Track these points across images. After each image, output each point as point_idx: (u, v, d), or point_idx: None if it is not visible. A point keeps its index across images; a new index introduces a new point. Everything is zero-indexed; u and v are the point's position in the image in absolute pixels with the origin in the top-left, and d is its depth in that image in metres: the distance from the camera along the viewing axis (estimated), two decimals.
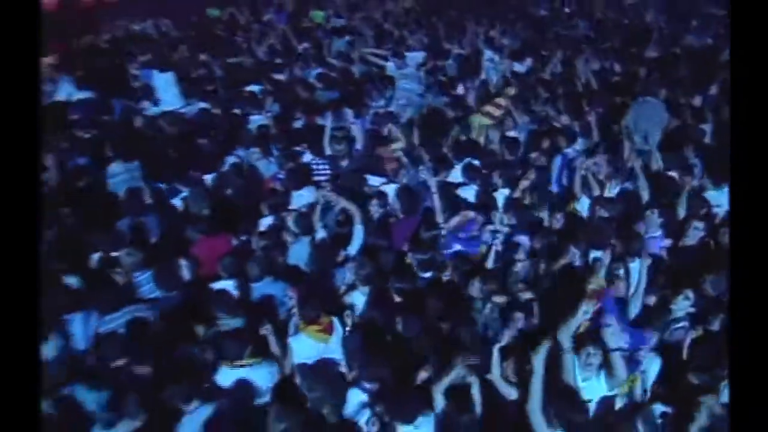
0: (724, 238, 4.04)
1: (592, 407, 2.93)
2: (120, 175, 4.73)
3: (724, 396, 2.75)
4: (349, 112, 5.43)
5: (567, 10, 11.35)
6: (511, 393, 2.89)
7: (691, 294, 3.41)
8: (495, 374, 2.89)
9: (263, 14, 10.93)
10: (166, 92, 6.21)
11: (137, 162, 4.80)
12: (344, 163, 4.75)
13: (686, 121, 5.75)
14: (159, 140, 5.46)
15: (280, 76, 6.90)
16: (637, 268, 3.56)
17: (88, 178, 4.67)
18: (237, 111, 5.82)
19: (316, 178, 4.66)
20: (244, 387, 2.91)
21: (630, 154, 4.82)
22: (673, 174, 4.70)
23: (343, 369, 3.09)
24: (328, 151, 4.86)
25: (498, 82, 6.79)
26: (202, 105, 6.04)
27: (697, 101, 6.26)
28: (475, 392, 2.76)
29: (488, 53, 7.32)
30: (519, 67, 7.26)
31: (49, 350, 3.08)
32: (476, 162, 4.76)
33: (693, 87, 6.62)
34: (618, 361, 2.92)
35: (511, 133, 5.42)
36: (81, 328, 3.38)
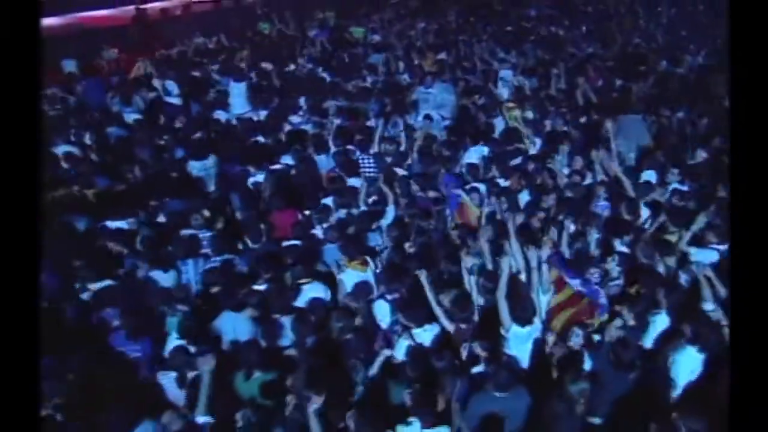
0: None
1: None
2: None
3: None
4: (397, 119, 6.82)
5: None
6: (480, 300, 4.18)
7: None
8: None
9: (308, 30, 12.41)
10: (238, 98, 7.67)
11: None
12: (389, 159, 6.12)
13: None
14: (233, 137, 6.90)
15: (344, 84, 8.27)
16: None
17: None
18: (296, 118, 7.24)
19: (364, 171, 6.03)
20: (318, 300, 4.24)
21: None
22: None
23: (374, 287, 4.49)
24: (375, 149, 6.27)
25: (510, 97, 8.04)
26: (264, 111, 7.49)
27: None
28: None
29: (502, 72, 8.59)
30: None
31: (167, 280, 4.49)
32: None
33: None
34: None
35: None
36: (193, 268, 4.83)
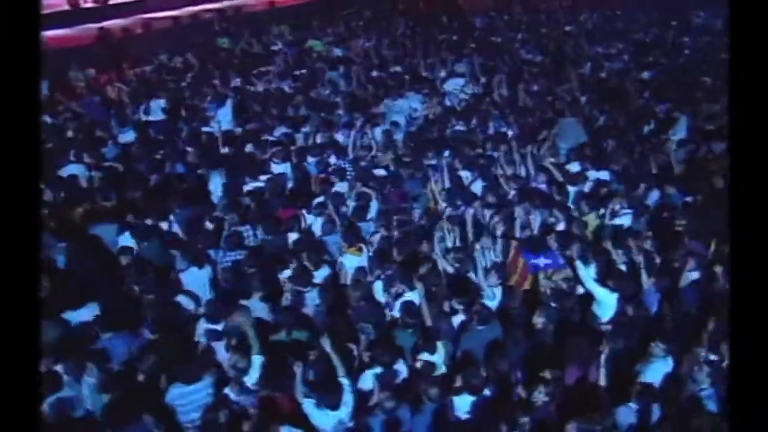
0: None
1: None
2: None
3: None
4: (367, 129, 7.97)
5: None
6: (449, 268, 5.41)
7: None
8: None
9: (269, 44, 13.30)
10: (224, 116, 8.58)
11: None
12: (363, 163, 7.23)
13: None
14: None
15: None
16: None
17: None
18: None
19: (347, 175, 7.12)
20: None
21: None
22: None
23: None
24: (351, 155, 7.38)
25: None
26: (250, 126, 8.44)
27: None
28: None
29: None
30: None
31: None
32: None
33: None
34: None
35: None
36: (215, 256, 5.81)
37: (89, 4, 14.72)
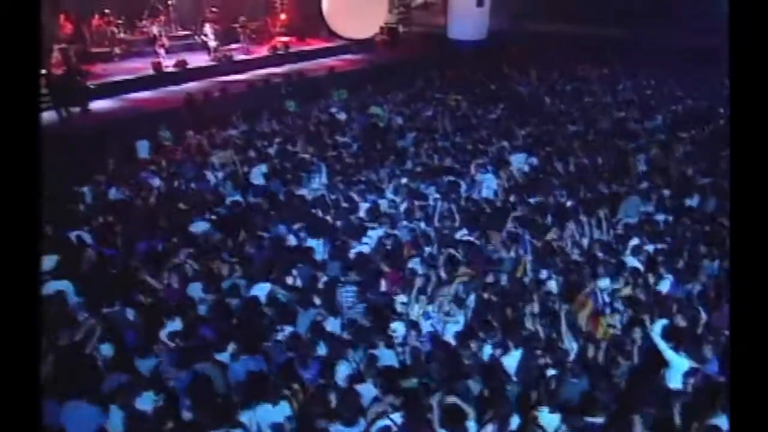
0: None
1: None
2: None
3: None
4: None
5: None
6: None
7: None
8: None
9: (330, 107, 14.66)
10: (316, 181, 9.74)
11: None
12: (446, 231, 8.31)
13: None
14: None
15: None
16: None
17: None
18: None
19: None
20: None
21: None
22: None
23: None
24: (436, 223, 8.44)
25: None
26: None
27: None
28: None
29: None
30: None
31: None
32: None
33: None
34: None
35: None
36: None
37: (170, 69, 16.29)
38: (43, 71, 14.60)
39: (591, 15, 21.42)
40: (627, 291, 6.95)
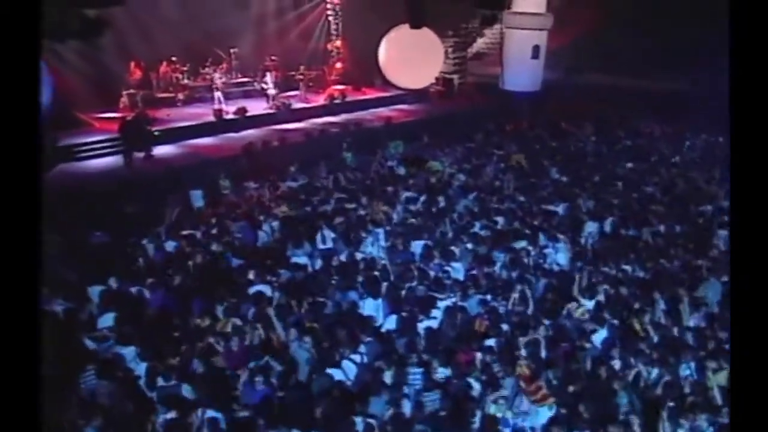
0: None
1: None
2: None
3: None
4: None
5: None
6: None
7: None
8: None
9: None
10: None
11: None
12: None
13: None
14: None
15: None
16: None
17: None
18: None
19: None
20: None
21: None
22: None
23: None
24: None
25: None
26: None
27: None
28: None
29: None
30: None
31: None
32: None
33: None
34: None
35: None
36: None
37: (230, 116, 16.54)
38: (113, 115, 15.22)
39: (646, 67, 21.01)
40: None
